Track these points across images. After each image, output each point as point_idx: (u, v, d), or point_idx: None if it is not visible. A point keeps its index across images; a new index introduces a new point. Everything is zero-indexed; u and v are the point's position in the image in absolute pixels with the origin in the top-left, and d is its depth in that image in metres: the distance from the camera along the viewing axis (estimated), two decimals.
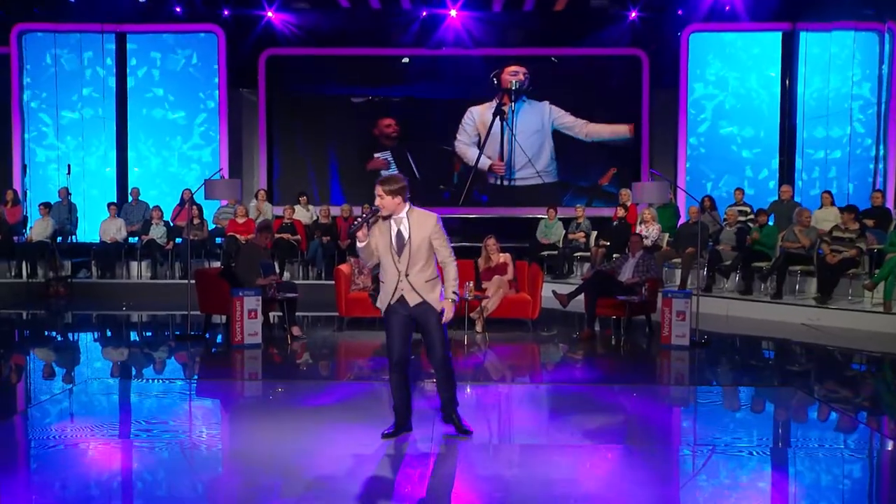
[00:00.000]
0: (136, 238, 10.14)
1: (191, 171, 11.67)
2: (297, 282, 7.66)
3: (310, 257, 9.95)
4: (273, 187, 11.88)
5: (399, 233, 3.65)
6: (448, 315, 3.65)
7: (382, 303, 3.73)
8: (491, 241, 7.44)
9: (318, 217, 10.45)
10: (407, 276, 3.63)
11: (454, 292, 3.65)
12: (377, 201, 3.60)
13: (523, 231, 10.79)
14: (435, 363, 3.76)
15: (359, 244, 3.64)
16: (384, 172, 11.69)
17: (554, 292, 7.13)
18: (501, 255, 7.45)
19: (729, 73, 11.29)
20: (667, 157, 11.44)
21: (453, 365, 3.87)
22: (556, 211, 10.38)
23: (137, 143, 11.62)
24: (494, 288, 7.13)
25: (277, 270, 8.35)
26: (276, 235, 9.55)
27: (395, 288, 3.64)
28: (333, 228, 10.22)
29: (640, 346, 6.67)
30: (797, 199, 9.97)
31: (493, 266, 7.38)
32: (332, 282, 7.59)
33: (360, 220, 3.63)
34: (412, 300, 3.66)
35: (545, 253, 10.06)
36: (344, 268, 7.44)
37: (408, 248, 3.63)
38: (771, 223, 8.97)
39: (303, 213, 10.62)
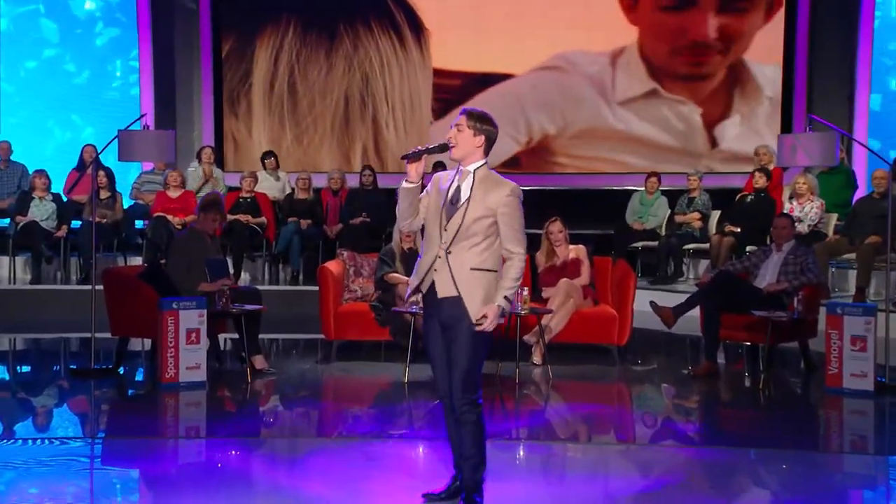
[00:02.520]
0: (7, 220, 10.11)
1: (94, 120, 11.69)
2: (261, 287, 7.63)
3: (281, 250, 9.93)
4: (224, 143, 11.88)
5: (458, 189, 3.80)
6: (487, 322, 3.73)
7: (411, 286, 3.90)
8: (556, 227, 7.36)
9: (293, 189, 10.42)
10: (448, 253, 3.77)
11: (506, 298, 3.75)
12: (451, 133, 3.79)
13: (606, 210, 10.69)
14: (454, 400, 3.81)
15: (405, 183, 3.79)
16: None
17: (653, 304, 7.01)
18: (572, 247, 7.39)
19: None
20: (836, 94, 11.14)
21: (482, 412, 3.83)
22: (658, 180, 10.21)
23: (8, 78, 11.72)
24: (561, 298, 7.03)
25: (232, 270, 8.32)
26: (230, 217, 9.52)
27: (430, 266, 3.80)
28: (317, 207, 10.17)
29: (793, 390, 6.56)
30: None
31: (558, 264, 7.31)
32: (315, 287, 7.51)
33: (419, 148, 3.77)
34: (442, 290, 3.78)
35: (639, 244, 9.96)
36: (332, 266, 7.40)
37: (461, 214, 3.76)
38: None
39: (270, 184, 10.59)
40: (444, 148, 3.78)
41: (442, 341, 3.82)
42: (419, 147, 3.77)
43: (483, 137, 3.77)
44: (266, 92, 11.94)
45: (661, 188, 10.15)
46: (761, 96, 11.34)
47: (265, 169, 10.70)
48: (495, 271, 3.77)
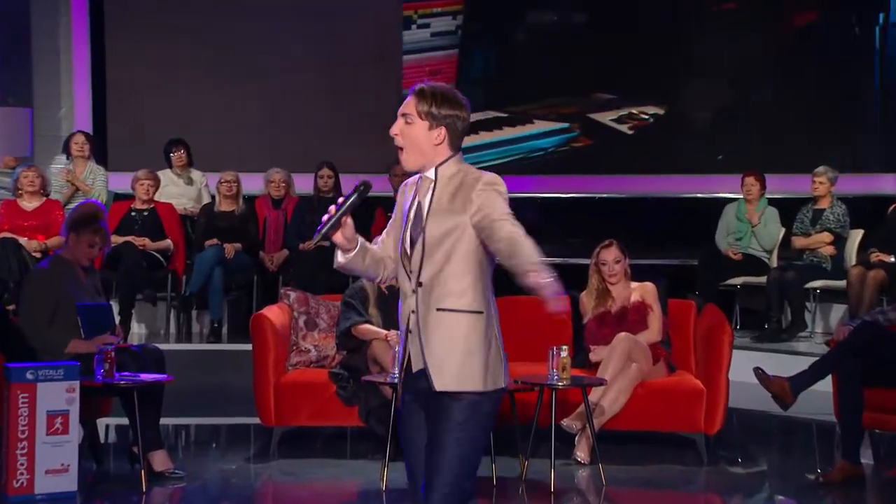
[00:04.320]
0: None
1: None
2: (164, 347, 7.58)
3: (195, 290, 9.92)
4: (107, 131, 11.97)
5: (418, 206, 3.88)
6: (542, 282, 3.59)
7: (399, 372, 3.98)
8: (611, 254, 7.38)
9: (214, 198, 10.45)
10: (419, 286, 3.85)
11: (533, 265, 3.61)
12: (397, 127, 3.85)
13: (685, 229, 10.77)
14: None
15: (339, 257, 3.89)
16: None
17: (760, 373, 6.98)
18: (635, 285, 7.43)
19: None
20: None
21: None
22: (761, 182, 10.19)
23: None
24: (619, 361, 7.01)
25: (119, 320, 8.24)
26: (117, 239, 9.51)
27: (407, 323, 3.91)
28: (250, 224, 10.20)
29: None
30: None
31: (614, 311, 7.33)
32: (247, 346, 7.50)
33: (330, 213, 3.74)
34: (416, 356, 3.88)
35: (737, 282, 9.98)
36: (273, 314, 7.39)
37: (421, 233, 3.84)
38: None
39: (179, 189, 10.64)
40: (364, 190, 3.76)
41: (424, 431, 3.88)
42: (332, 208, 3.72)
43: (443, 130, 3.80)
44: (177, 47, 12.01)
45: (765, 195, 10.15)
46: None
47: (171, 167, 10.71)
48: (481, 312, 3.78)
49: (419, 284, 3.82)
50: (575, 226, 11.30)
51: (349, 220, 3.76)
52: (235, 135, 11.94)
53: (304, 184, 10.57)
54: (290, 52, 12.09)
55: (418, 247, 3.81)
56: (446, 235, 3.78)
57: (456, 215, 3.77)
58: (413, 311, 3.84)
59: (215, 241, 9.90)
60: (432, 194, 3.82)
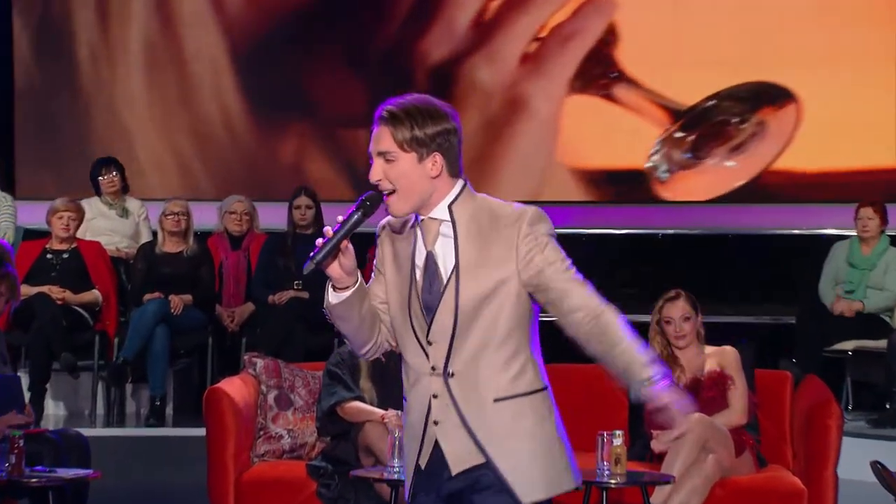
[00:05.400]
0: None
1: None
2: (88, 432, 7.60)
3: (129, 355, 9.88)
4: (14, 149, 12.07)
5: (430, 259, 3.90)
6: (665, 396, 3.78)
7: (409, 460, 4.00)
8: (677, 310, 7.44)
9: (156, 234, 10.48)
10: (448, 375, 3.88)
11: (649, 371, 3.77)
12: (378, 170, 3.87)
13: (778, 277, 10.90)
14: None
15: (331, 294, 3.90)
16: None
17: (878, 468, 7.05)
18: (710, 350, 7.48)
19: None
20: None
21: None
22: (881, 215, 10.18)
23: None
24: (690, 451, 7.00)
25: (28, 398, 8.27)
26: (28, 290, 9.51)
27: (426, 418, 3.93)
28: (203, 267, 10.26)
29: None
30: None
31: (683, 383, 7.32)
32: (199, 431, 7.56)
33: (327, 237, 3.76)
34: (456, 459, 3.89)
35: (848, 346, 9.95)
36: (233, 388, 7.42)
37: (450, 304, 3.86)
38: None
39: (110, 223, 10.73)
40: (370, 206, 3.79)
41: None
42: (329, 229, 3.76)
43: (438, 156, 3.82)
44: (105, 41, 12.06)
45: (886, 231, 10.17)
46: None
47: (100, 195, 10.75)
48: (542, 390, 3.87)
49: (448, 369, 3.83)
50: (631, 271, 11.29)
51: (350, 247, 3.74)
52: (182, 153, 11.98)
53: (273, 216, 10.61)
54: (252, 40, 12.11)
55: (443, 322, 3.82)
56: (485, 301, 3.81)
57: (494, 270, 3.81)
58: (434, 396, 3.85)
59: (158, 293, 9.92)
60: (455, 245, 3.83)
